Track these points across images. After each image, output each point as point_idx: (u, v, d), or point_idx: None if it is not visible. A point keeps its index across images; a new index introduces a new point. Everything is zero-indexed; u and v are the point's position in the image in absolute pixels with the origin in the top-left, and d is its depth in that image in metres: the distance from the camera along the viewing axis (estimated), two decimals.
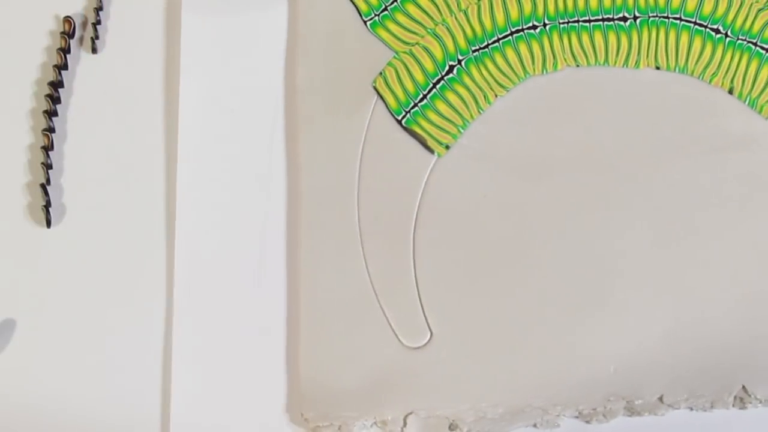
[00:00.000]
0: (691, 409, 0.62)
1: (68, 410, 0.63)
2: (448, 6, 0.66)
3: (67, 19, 0.67)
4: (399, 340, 0.63)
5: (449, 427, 0.62)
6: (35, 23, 0.68)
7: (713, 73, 0.65)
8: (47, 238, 0.65)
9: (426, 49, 0.66)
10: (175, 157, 0.65)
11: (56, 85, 0.67)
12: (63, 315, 0.64)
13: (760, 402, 0.62)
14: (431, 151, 0.65)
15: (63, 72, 0.67)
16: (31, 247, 0.65)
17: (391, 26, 0.66)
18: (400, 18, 0.66)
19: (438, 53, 0.65)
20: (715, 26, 0.65)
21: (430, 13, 0.66)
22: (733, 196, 0.63)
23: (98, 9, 0.68)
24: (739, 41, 0.65)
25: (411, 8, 0.66)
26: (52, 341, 0.64)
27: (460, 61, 0.65)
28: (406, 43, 0.66)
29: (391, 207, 0.64)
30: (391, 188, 0.64)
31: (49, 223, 0.65)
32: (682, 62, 0.65)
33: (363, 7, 0.66)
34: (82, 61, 0.68)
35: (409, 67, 0.65)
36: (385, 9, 0.66)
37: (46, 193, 0.65)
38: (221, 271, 0.64)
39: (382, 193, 0.64)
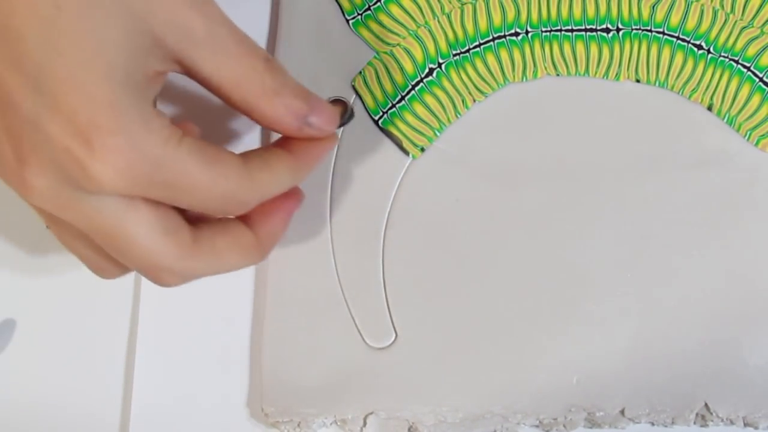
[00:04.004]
0: (653, 424, 0.62)
1: (63, 407, 0.63)
2: (432, 8, 0.66)
3: None
4: (363, 340, 0.63)
5: (408, 430, 0.62)
6: None
7: (693, 89, 0.64)
8: (47, 238, 0.65)
9: (407, 51, 0.66)
10: None
11: None
12: (62, 315, 0.64)
13: (722, 420, 0.61)
14: (406, 152, 0.65)
15: None
16: (31, 247, 0.65)
17: (374, 26, 0.66)
18: (383, 18, 0.66)
19: (418, 55, 0.65)
20: (697, 42, 0.65)
21: (413, 15, 0.66)
22: (705, 214, 0.63)
23: None
24: (721, 58, 0.65)
25: (394, 9, 0.66)
26: (52, 341, 0.64)
27: (440, 65, 0.65)
28: (388, 44, 0.66)
29: (363, 206, 0.64)
30: (364, 188, 0.64)
31: None
32: (662, 76, 0.65)
33: (346, 5, 0.66)
34: None
35: (389, 67, 0.65)
36: (368, 8, 0.66)
37: None
38: None
39: (354, 192, 0.64)
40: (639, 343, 0.62)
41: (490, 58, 0.65)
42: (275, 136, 0.60)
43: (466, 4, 0.66)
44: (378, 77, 0.65)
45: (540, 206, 0.63)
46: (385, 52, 0.66)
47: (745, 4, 0.65)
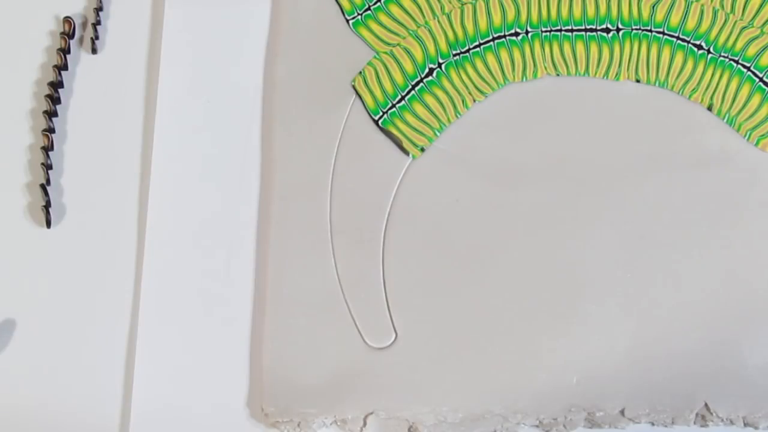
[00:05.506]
0: (653, 424, 0.62)
1: (63, 407, 0.63)
2: (431, 8, 0.66)
3: (67, 20, 0.68)
4: (363, 340, 0.63)
5: (408, 430, 0.62)
6: (35, 23, 0.68)
7: (693, 89, 0.64)
8: (47, 238, 0.65)
9: (407, 51, 0.66)
10: (152, 146, 0.66)
11: (56, 85, 0.67)
12: (62, 315, 0.64)
13: (722, 420, 0.61)
14: (406, 152, 0.65)
15: (63, 72, 0.67)
16: (31, 247, 0.65)
17: (374, 26, 0.66)
18: (383, 18, 0.66)
19: (418, 55, 0.65)
20: (697, 42, 0.65)
21: (413, 15, 0.66)
22: (705, 214, 0.63)
23: (98, 9, 0.68)
24: (721, 58, 0.65)
25: (394, 9, 0.66)
26: (52, 341, 0.64)
27: (440, 65, 0.65)
28: (388, 44, 0.66)
29: (364, 207, 0.64)
30: (365, 188, 0.64)
31: (49, 223, 0.65)
32: (662, 76, 0.65)
33: (346, 5, 0.66)
34: (82, 62, 0.68)
35: (389, 67, 0.65)
36: (368, 8, 0.66)
37: (46, 193, 0.65)
38: (190, 261, 0.64)
39: (355, 192, 0.64)
40: (639, 343, 0.62)
41: (490, 58, 0.65)
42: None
43: (466, 4, 0.66)
44: (378, 77, 0.65)
45: (540, 206, 0.63)
46: (385, 52, 0.66)
47: (745, 4, 0.65)
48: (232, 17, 0.67)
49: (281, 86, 0.66)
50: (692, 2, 0.65)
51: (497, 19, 0.65)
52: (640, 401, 0.61)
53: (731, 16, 0.65)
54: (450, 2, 0.66)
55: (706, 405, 0.61)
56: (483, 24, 0.65)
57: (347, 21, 0.66)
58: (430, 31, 0.66)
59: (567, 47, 0.65)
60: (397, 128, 0.65)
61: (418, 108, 0.65)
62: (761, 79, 0.64)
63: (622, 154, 0.64)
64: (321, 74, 0.65)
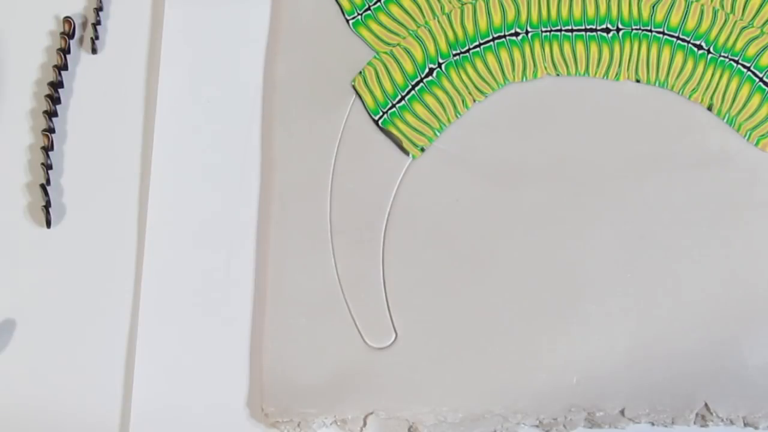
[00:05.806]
0: (653, 424, 0.62)
1: (63, 407, 0.63)
2: (431, 8, 0.66)
3: (67, 20, 0.68)
4: (363, 340, 0.63)
5: (408, 430, 0.62)
6: (35, 23, 0.68)
7: (693, 89, 0.64)
8: (47, 238, 0.65)
9: (407, 51, 0.66)
10: (152, 146, 0.66)
11: (56, 85, 0.67)
12: (62, 315, 0.64)
13: (722, 420, 0.61)
14: (406, 152, 0.65)
15: (63, 72, 0.67)
16: (31, 247, 0.65)
17: (374, 26, 0.66)
18: (383, 18, 0.66)
19: (418, 55, 0.65)
20: (697, 42, 0.65)
21: (413, 15, 0.66)
22: (705, 214, 0.63)
23: (98, 9, 0.68)
24: (721, 58, 0.65)
25: (394, 9, 0.66)
26: (52, 341, 0.64)
27: (440, 65, 0.65)
28: (388, 44, 0.66)
29: (364, 207, 0.64)
30: (365, 188, 0.64)
31: (49, 223, 0.65)
32: (662, 76, 0.65)
33: (346, 5, 0.66)
34: (82, 62, 0.68)
35: (389, 67, 0.65)
36: (368, 8, 0.66)
37: (46, 193, 0.65)
38: (190, 261, 0.64)
39: (355, 192, 0.64)
40: (639, 343, 0.62)
41: (490, 58, 0.65)
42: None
43: (466, 4, 0.66)
44: (378, 77, 0.65)
45: (540, 206, 0.63)
46: (385, 52, 0.66)
47: (745, 4, 0.65)
48: (232, 17, 0.67)
49: (281, 86, 0.66)
50: (692, 2, 0.65)
51: (497, 19, 0.65)
52: (640, 401, 0.61)
53: (731, 16, 0.65)
54: (450, 2, 0.66)
55: (706, 405, 0.61)
56: (483, 24, 0.65)
57: (347, 21, 0.66)
58: (430, 31, 0.66)
59: (567, 47, 0.65)
60: (397, 128, 0.65)
61: (418, 108, 0.65)
62: (761, 79, 0.64)
63: (622, 154, 0.64)
64: (321, 74, 0.65)
